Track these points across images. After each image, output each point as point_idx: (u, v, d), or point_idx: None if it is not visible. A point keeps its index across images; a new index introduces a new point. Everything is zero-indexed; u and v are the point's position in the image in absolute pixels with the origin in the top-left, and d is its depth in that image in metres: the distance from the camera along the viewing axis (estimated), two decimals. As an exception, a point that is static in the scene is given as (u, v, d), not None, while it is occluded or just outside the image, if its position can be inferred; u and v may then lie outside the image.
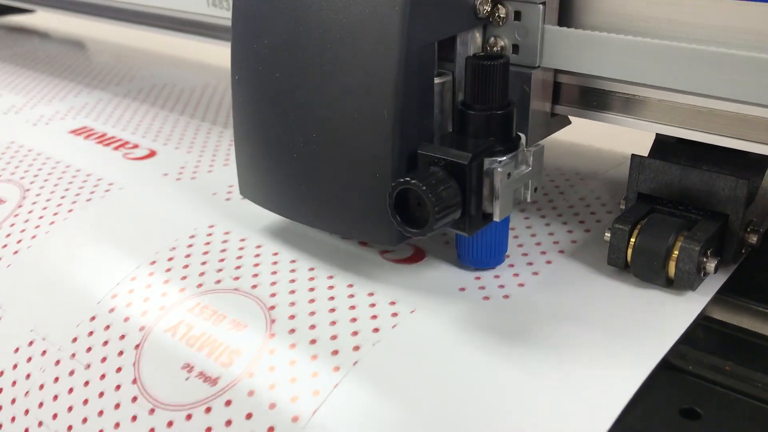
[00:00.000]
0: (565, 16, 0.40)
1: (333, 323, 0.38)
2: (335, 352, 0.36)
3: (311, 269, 0.42)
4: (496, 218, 0.36)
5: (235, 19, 0.41)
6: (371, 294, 0.39)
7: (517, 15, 0.39)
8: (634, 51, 0.37)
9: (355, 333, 0.37)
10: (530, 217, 0.46)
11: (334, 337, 0.37)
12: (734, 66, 0.35)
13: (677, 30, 0.37)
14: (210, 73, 0.82)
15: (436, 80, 0.38)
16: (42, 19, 1.06)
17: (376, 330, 0.37)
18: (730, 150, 0.38)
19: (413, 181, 0.34)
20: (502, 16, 0.39)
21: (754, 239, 0.40)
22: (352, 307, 0.39)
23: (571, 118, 0.43)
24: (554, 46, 0.39)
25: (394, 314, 0.38)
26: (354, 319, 0.38)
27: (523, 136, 0.38)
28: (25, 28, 1.04)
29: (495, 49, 0.40)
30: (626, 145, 0.52)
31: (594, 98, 0.41)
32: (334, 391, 0.35)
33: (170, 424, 0.36)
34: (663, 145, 0.42)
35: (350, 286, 0.40)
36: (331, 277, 0.41)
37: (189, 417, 0.36)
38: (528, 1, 0.38)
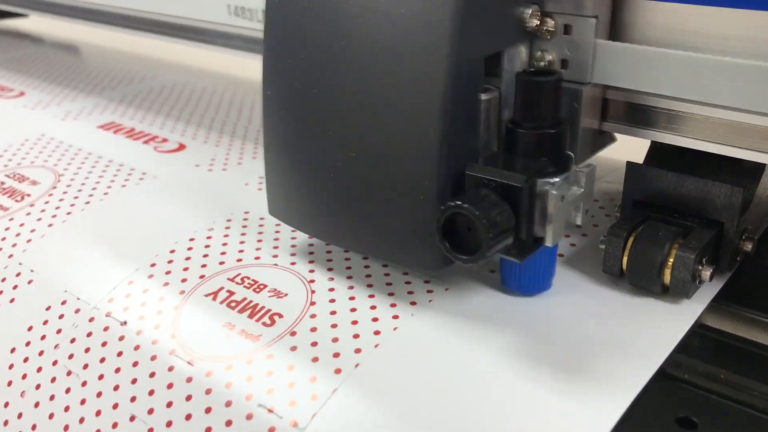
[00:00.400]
0: (615, 30, 0.38)
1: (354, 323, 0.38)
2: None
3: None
4: (549, 243, 0.35)
5: (268, 33, 0.39)
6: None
7: (567, 29, 0.37)
8: (688, 67, 0.35)
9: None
10: None
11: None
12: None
13: (728, 45, 0.36)
14: (216, 78, 0.81)
15: (483, 96, 0.36)
16: (36, 23, 1.04)
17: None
18: (725, 157, 0.37)
19: (465, 206, 0.33)
20: (550, 29, 0.37)
21: (749, 247, 0.40)
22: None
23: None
24: (606, 62, 0.37)
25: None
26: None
27: (572, 155, 0.37)
28: (25, 33, 1.03)
29: (542, 63, 0.38)
30: (623, 150, 0.50)
31: (640, 114, 0.39)
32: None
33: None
34: (658, 152, 0.41)
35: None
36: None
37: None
38: (579, 15, 0.37)
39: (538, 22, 0.37)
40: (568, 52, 0.38)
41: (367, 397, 0.34)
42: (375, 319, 0.38)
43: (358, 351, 0.36)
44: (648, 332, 0.36)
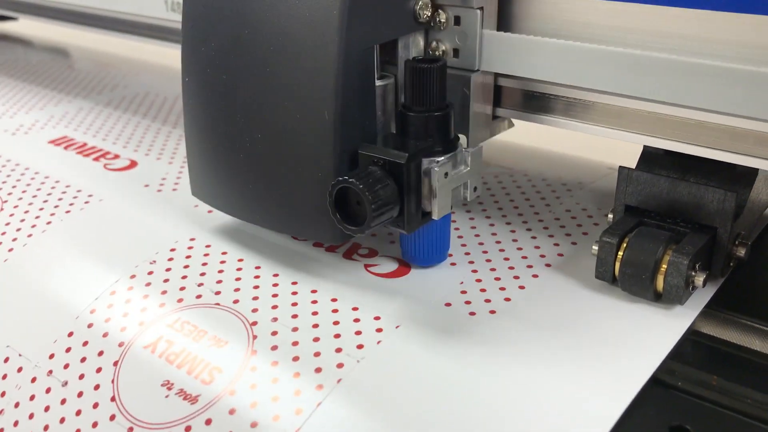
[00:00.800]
0: (505, 21, 0.40)
1: (316, 339, 0.36)
2: (318, 370, 0.35)
3: (294, 283, 0.40)
4: (435, 216, 0.36)
5: (184, 23, 0.41)
6: (355, 309, 0.38)
7: (457, 20, 0.39)
8: (568, 54, 0.37)
9: (339, 350, 0.36)
10: (516, 230, 0.45)
11: (317, 354, 0.36)
12: (665, 68, 0.35)
13: (613, 35, 0.37)
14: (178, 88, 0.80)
15: (378, 83, 0.38)
16: (24, 26, 1.04)
17: (360, 346, 0.36)
18: (718, 162, 0.37)
19: (351, 180, 0.35)
20: (442, 20, 0.39)
21: (742, 252, 0.39)
22: (336, 323, 0.37)
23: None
24: (493, 51, 0.39)
25: (379, 330, 0.37)
26: (338, 335, 0.37)
27: (463, 137, 0.38)
28: (7, 35, 1.03)
29: (437, 53, 0.40)
30: (612, 155, 0.51)
31: (534, 101, 0.41)
32: (317, 410, 0.33)
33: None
34: (650, 157, 0.40)
35: (334, 300, 0.39)
36: (314, 291, 0.40)
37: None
38: (466, 6, 0.39)
39: (430, 14, 0.39)
40: (458, 41, 0.39)
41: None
42: (318, 370, 0.35)
43: (298, 413, 0.34)
44: (641, 340, 0.35)
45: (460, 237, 0.44)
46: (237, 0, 0.38)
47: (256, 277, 0.41)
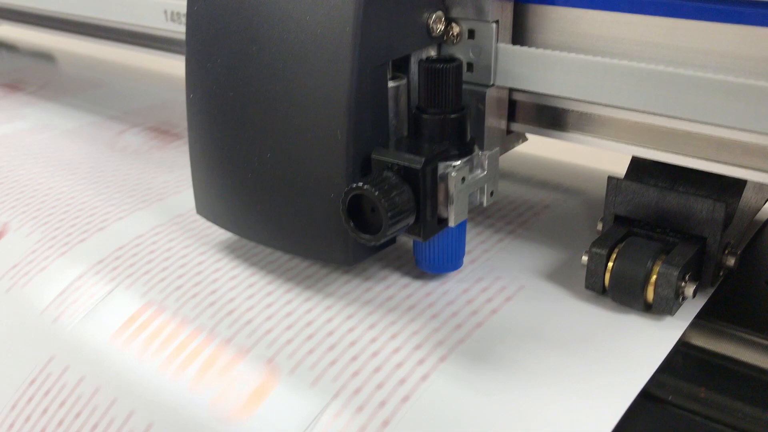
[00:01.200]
0: (520, 35, 0.39)
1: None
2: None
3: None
4: (451, 223, 0.35)
5: (189, 38, 0.40)
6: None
7: (471, 33, 0.38)
8: (584, 70, 0.36)
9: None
10: (504, 239, 0.44)
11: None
12: (682, 85, 0.34)
13: (629, 49, 0.36)
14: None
15: (390, 84, 0.37)
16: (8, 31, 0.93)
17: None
18: (707, 172, 0.36)
19: (365, 187, 0.33)
20: (455, 34, 0.38)
21: (731, 262, 0.38)
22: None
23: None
24: (507, 65, 0.38)
25: (352, 343, 0.36)
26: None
27: (475, 139, 0.37)
28: None
29: (451, 68, 0.39)
30: (602, 163, 0.50)
31: (549, 116, 0.40)
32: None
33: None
34: (639, 167, 0.40)
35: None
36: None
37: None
38: (481, 20, 0.38)
39: (444, 28, 0.38)
40: (472, 55, 0.39)
41: None
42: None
43: None
44: (632, 351, 0.35)
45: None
46: (245, 16, 0.37)
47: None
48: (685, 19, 0.34)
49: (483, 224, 0.45)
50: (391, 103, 0.37)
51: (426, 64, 0.35)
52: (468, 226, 0.44)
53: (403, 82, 0.37)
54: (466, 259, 0.41)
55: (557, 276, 0.40)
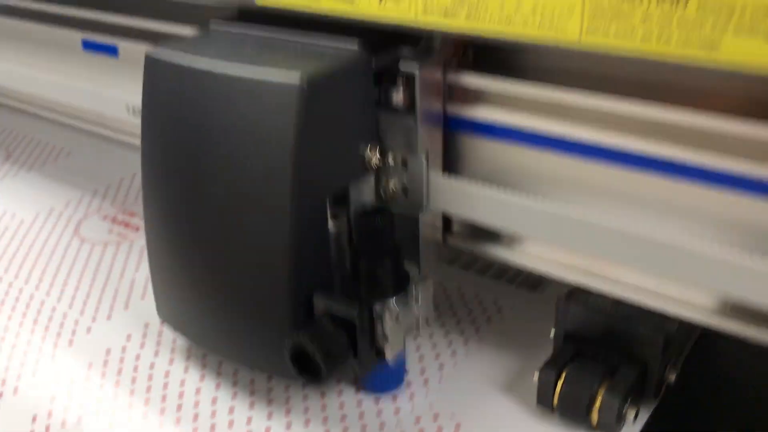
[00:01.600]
0: (451, 164, 0.41)
1: None
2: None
3: None
4: (389, 357, 0.38)
5: (143, 159, 0.42)
6: None
7: (404, 162, 0.40)
8: (505, 204, 0.38)
9: None
10: (456, 351, 0.46)
11: None
12: (592, 228, 0.36)
13: (550, 187, 0.39)
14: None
15: (331, 224, 0.39)
16: None
17: None
18: None
19: (303, 339, 0.36)
20: (390, 164, 0.40)
21: (672, 377, 0.41)
22: None
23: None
24: (439, 192, 0.40)
25: None
26: None
27: (414, 271, 0.40)
28: None
29: (389, 189, 0.41)
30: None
31: (483, 234, 0.42)
32: None
33: None
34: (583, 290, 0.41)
35: None
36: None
37: None
38: (412, 152, 0.40)
39: (378, 159, 0.40)
40: (406, 181, 0.41)
41: None
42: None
43: None
44: None
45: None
46: (192, 154, 0.39)
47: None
48: (599, 162, 0.36)
49: (437, 331, 0.47)
50: (332, 243, 0.39)
51: (359, 216, 0.38)
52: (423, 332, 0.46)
53: (343, 221, 0.40)
54: (415, 366, 0.44)
55: (511, 389, 0.43)
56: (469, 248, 0.43)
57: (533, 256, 0.41)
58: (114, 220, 0.63)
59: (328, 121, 0.37)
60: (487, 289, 0.52)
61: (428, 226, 0.42)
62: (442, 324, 0.49)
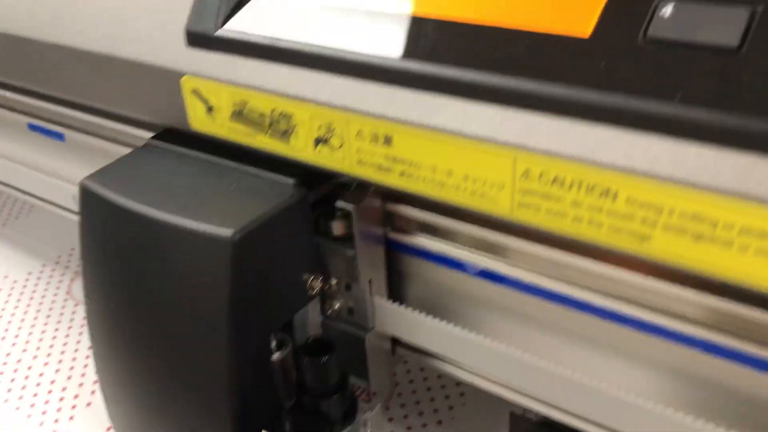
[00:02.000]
0: (398, 283, 0.40)
1: None
2: None
3: None
4: (339, 494, 0.38)
5: (85, 267, 0.41)
6: None
7: (348, 287, 0.40)
8: (444, 335, 0.38)
9: None
10: None
11: None
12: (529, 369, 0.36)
13: (494, 311, 0.38)
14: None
15: (275, 356, 0.38)
16: None
17: None
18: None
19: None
20: (333, 289, 0.40)
21: None
22: None
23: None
24: (383, 315, 0.40)
25: None
26: None
27: (357, 403, 0.39)
28: None
29: (334, 309, 0.41)
30: None
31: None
32: None
33: None
34: (520, 425, 0.40)
35: None
36: None
37: None
38: (354, 279, 0.39)
39: (321, 286, 0.39)
40: (351, 303, 0.40)
41: None
42: None
43: None
44: None
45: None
46: (131, 287, 0.38)
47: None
48: (539, 298, 0.36)
49: (400, 421, 0.47)
50: (277, 374, 0.38)
51: (302, 357, 0.37)
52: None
53: (288, 350, 0.38)
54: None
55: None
56: (420, 363, 0.42)
57: (481, 376, 0.40)
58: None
59: (264, 264, 0.36)
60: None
61: (373, 344, 0.41)
62: (391, 418, 0.48)
